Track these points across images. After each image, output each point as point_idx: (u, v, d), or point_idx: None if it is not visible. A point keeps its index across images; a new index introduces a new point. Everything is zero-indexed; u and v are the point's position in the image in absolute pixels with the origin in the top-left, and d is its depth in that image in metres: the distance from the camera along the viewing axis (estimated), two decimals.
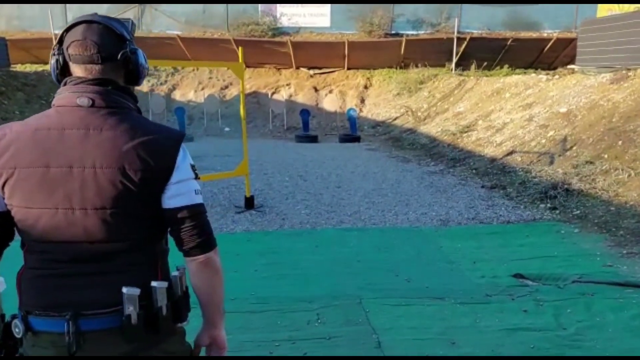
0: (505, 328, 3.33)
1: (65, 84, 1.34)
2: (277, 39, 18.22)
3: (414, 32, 18.45)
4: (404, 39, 17.17)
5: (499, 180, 7.95)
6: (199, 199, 1.38)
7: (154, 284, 1.31)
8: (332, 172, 9.34)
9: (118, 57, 1.36)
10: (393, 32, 18.72)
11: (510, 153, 8.94)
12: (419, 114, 14.68)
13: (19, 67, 16.99)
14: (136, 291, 1.27)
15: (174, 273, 1.40)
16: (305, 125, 15.52)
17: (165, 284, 1.33)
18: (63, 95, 1.32)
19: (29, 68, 17.14)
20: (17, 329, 1.31)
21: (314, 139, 14.73)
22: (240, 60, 6.51)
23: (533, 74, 12.88)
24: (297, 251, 4.99)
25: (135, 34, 18.69)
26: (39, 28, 18.21)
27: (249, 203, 6.63)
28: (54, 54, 1.34)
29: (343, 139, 14.54)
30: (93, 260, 1.30)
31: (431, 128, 13.01)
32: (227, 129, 16.00)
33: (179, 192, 1.33)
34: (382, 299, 3.81)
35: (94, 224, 1.27)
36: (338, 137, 14.93)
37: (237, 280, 4.10)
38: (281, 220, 6.15)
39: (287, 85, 18.31)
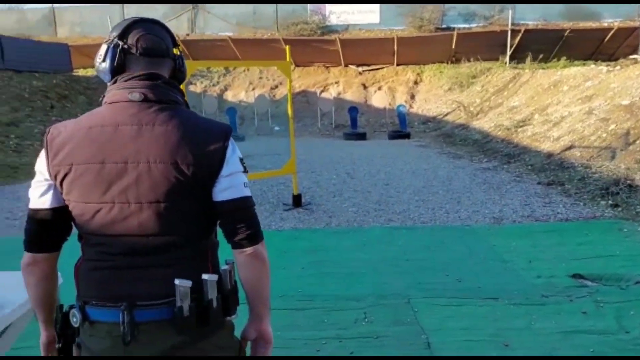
0: (563, 330, 3.17)
1: (115, 82, 1.37)
2: (326, 37, 18.25)
3: (466, 26, 18.01)
4: (455, 32, 16.80)
5: (556, 176, 7.62)
6: (247, 192, 1.39)
7: (204, 276, 1.32)
8: (381, 170, 9.24)
9: (174, 54, 1.43)
10: (444, 26, 18.34)
11: (569, 148, 8.55)
12: (472, 109, 14.32)
13: (80, 72, 17.81)
14: (188, 283, 1.29)
15: (224, 267, 1.41)
16: (354, 123, 15.46)
17: (215, 277, 1.34)
18: (114, 92, 1.35)
19: (90, 72, 17.91)
20: (75, 319, 1.35)
21: (362, 137, 14.64)
22: (287, 58, 6.52)
23: (592, 66, 12.29)
24: (344, 249, 4.95)
25: (189, 37, 19.22)
26: (99, 34, 19.00)
27: (297, 201, 6.65)
28: (116, 45, 1.36)
29: (392, 136, 14.38)
30: (146, 253, 1.32)
31: (484, 123, 12.65)
32: (277, 128, 16.15)
33: (229, 186, 1.35)
34: (431, 298, 3.71)
35: (148, 218, 1.30)
36: (387, 134, 14.78)
37: (284, 278, 4.11)
38: (328, 218, 6.13)
39: (336, 83, 18.29)
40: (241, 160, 1.40)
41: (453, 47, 16.88)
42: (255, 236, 1.38)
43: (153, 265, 1.32)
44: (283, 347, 3.01)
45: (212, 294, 1.33)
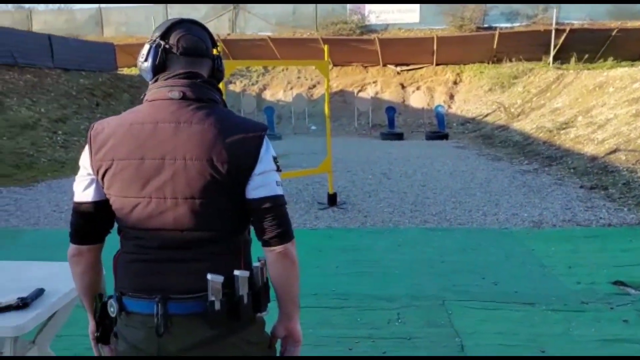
0: (602, 339, 3.08)
1: (156, 81, 1.41)
2: (365, 36, 18.20)
3: (508, 25, 17.64)
4: (497, 32, 16.49)
5: (599, 180, 7.39)
6: (279, 191, 1.40)
7: (236, 272, 1.35)
8: (417, 170, 9.16)
9: (213, 54, 1.48)
10: (485, 25, 18.01)
11: (614, 151, 8.27)
12: (512, 110, 14.02)
13: (125, 71, 18.34)
14: (220, 278, 1.32)
15: (256, 264, 1.43)
16: (391, 123, 15.37)
17: (247, 273, 1.37)
18: (155, 90, 1.40)
19: (134, 71, 18.42)
20: (112, 308, 1.41)
21: (399, 137, 14.54)
22: (325, 58, 6.55)
23: None
24: (379, 249, 4.94)
25: (229, 37, 19.51)
26: (144, 34, 19.52)
27: (332, 200, 6.67)
28: (158, 45, 1.41)
29: (430, 137, 14.23)
30: (181, 248, 1.36)
31: (525, 125, 12.37)
32: (313, 127, 16.22)
33: (261, 184, 1.37)
34: (466, 301, 3.67)
35: (183, 213, 1.33)
36: (425, 134, 14.63)
37: (318, 276, 4.14)
38: (363, 218, 6.13)
39: (374, 82, 18.23)
40: (274, 159, 1.41)
41: (494, 46, 16.57)
42: (285, 235, 1.39)
43: (187, 259, 1.35)
44: (316, 344, 3.05)
45: (243, 290, 1.35)
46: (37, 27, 21.56)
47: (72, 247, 1.43)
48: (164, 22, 1.47)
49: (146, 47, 1.42)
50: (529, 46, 16.08)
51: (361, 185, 7.97)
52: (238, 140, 1.34)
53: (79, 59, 15.43)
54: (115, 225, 1.45)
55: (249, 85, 19.00)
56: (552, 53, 15.87)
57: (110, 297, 1.42)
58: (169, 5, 20.78)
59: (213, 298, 1.31)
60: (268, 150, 1.39)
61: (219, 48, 1.54)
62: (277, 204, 1.38)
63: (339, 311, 3.55)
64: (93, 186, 1.39)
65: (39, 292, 2.05)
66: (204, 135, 1.32)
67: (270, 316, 1.46)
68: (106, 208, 1.40)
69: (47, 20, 22.49)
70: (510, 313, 3.47)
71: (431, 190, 7.53)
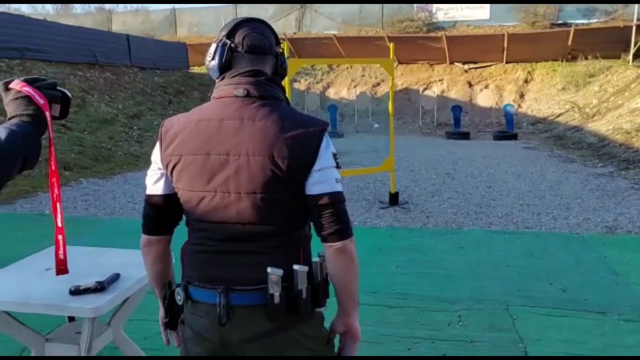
0: None
1: (223, 79, 1.47)
2: (432, 34, 17.89)
3: (585, 21, 16.78)
4: (572, 28, 15.72)
5: None
6: (339, 187, 1.41)
7: (295, 267, 1.38)
8: (484, 171, 8.92)
9: (277, 52, 1.51)
10: (560, 21, 17.22)
11: None
12: (587, 110, 13.34)
13: (196, 69, 19.01)
14: (279, 272, 1.35)
15: (315, 259, 1.45)
16: (457, 122, 15.04)
17: (305, 268, 1.39)
18: (221, 88, 1.45)
19: (205, 70, 19.03)
20: (179, 297, 1.48)
21: (465, 136, 14.20)
22: (390, 56, 6.51)
23: None
24: (441, 250, 4.87)
25: (296, 35, 19.79)
26: (214, 33, 20.11)
27: (394, 199, 6.63)
28: (224, 44, 1.45)
29: (498, 137, 13.79)
30: (243, 240, 1.41)
31: (601, 126, 11.74)
32: (376, 125, 16.14)
33: (320, 180, 1.38)
34: (532, 307, 3.55)
35: (245, 207, 1.38)
36: (492, 134, 14.20)
37: (379, 275, 4.13)
38: (425, 218, 6.05)
39: (440, 81, 17.89)
40: (334, 155, 1.42)
41: (569, 43, 15.80)
42: (344, 231, 1.39)
43: (249, 252, 1.39)
44: (374, 342, 3.05)
45: (302, 284, 1.37)
46: (116, 27, 22.78)
47: (143, 238, 1.51)
48: (230, 21, 1.51)
49: (213, 46, 1.47)
50: (607, 43, 15.20)
51: (424, 185, 7.87)
52: (298, 136, 1.36)
53: (154, 57, 16.17)
54: (184, 217, 1.52)
55: (314, 84, 19.17)
56: (632, 51, 14.93)
57: (178, 285, 1.49)
58: (238, 5, 21.35)
59: (272, 291, 1.34)
60: (328, 147, 1.41)
61: (282, 46, 1.57)
62: (335, 200, 1.38)
63: (399, 310, 3.54)
64: (163, 180, 1.45)
65: (115, 277, 2.19)
66: (266, 132, 1.35)
67: (329, 312, 1.48)
68: (175, 201, 1.46)
69: (125, 21, 23.72)
70: (579, 321, 3.33)
71: (497, 192, 7.31)
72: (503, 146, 12.25)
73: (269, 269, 1.35)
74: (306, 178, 1.38)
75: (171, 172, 1.43)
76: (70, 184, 8.03)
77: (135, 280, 2.22)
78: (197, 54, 18.39)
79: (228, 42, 1.45)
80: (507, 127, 14.34)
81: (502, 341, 3.10)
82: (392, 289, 3.91)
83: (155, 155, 1.46)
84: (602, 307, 3.51)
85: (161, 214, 1.49)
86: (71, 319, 2.56)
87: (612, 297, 3.70)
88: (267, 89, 1.43)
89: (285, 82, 1.59)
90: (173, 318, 1.55)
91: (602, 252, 4.67)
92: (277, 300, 1.35)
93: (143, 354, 2.63)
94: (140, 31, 20.33)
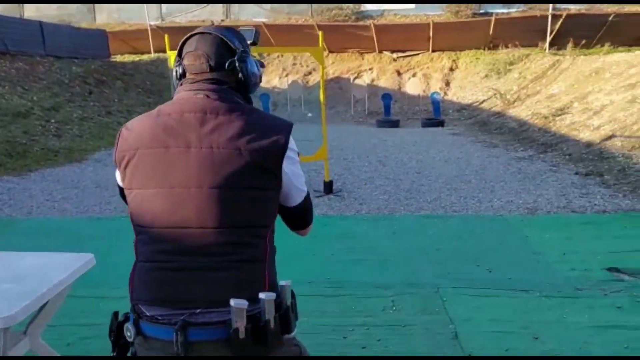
0: (596, 325, 3.09)
1: (182, 84, 1.44)
2: (361, 23, 18.06)
3: (505, 11, 17.53)
4: (493, 18, 16.38)
5: (595, 166, 7.39)
6: (305, 188, 1.52)
7: (261, 295, 1.29)
8: (413, 158, 9.15)
9: (226, 66, 1.42)
10: (482, 11, 17.90)
11: (609, 137, 8.28)
12: (508, 96, 13.99)
13: (118, 58, 18.15)
14: (244, 304, 1.25)
15: (282, 283, 1.40)
16: (387, 110, 15.32)
17: (273, 296, 1.31)
18: (182, 94, 1.41)
19: (127, 58, 18.24)
20: (129, 333, 1.36)
21: (395, 124, 14.50)
22: (320, 44, 6.49)
23: (638, 52, 11.79)
24: (374, 237, 4.94)
25: (223, 23, 19.31)
26: (136, 20, 19.30)
27: (328, 187, 6.66)
28: (175, 66, 1.46)
29: (426, 124, 14.19)
30: (202, 253, 1.30)
31: (521, 111, 12.36)
32: (309, 114, 16.14)
33: (291, 189, 1.44)
34: (460, 288, 3.67)
35: (206, 205, 1.29)
36: (420, 121, 14.59)
37: (313, 264, 4.13)
38: (359, 205, 6.12)
39: (370, 69, 18.13)
40: (297, 153, 1.48)
41: (491, 32, 16.46)
42: (311, 219, 1.59)
43: (210, 267, 1.30)
44: (311, 332, 3.02)
45: (270, 314, 1.29)
46: (28, 14, 21.27)
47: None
48: (182, 39, 1.47)
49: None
50: (525, 32, 15.98)
51: (357, 173, 7.96)
52: (266, 131, 1.35)
53: (71, 46, 15.26)
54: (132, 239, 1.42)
55: None
56: (549, 39, 15.79)
57: (127, 318, 1.37)
58: None
59: (237, 325, 1.24)
60: (293, 145, 1.44)
61: (249, 49, 1.50)
62: (307, 202, 1.53)
63: (334, 299, 3.55)
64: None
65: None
66: (231, 125, 1.32)
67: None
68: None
69: (39, 7, 22.19)
70: (504, 300, 3.48)
71: (426, 177, 7.52)
72: (431, 133, 12.61)
73: (232, 302, 1.24)
74: (274, 177, 1.38)
75: (125, 169, 1.35)
76: None
77: (53, 284, 2.07)
78: (118, 42, 17.58)
79: (177, 64, 1.46)
80: (434, 115, 14.78)
81: (433, 323, 3.18)
82: (327, 277, 3.91)
83: (113, 154, 1.42)
84: (525, 286, 3.69)
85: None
86: None
87: (533, 276, 3.90)
88: (229, 96, 1.40)
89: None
90: (122, 352, 1.40)
91: (524, 233, 4.92)
92: (242, 334, 1.25)
93: None
94: (56, 18, 19.09)
